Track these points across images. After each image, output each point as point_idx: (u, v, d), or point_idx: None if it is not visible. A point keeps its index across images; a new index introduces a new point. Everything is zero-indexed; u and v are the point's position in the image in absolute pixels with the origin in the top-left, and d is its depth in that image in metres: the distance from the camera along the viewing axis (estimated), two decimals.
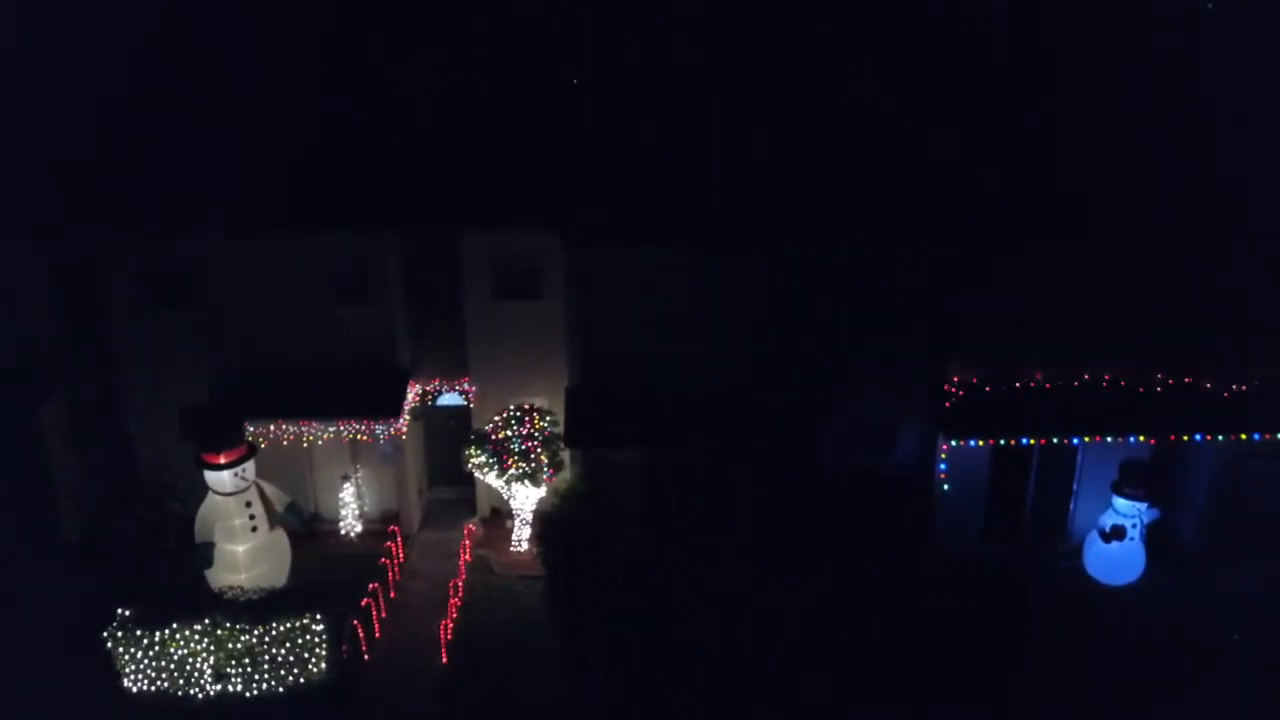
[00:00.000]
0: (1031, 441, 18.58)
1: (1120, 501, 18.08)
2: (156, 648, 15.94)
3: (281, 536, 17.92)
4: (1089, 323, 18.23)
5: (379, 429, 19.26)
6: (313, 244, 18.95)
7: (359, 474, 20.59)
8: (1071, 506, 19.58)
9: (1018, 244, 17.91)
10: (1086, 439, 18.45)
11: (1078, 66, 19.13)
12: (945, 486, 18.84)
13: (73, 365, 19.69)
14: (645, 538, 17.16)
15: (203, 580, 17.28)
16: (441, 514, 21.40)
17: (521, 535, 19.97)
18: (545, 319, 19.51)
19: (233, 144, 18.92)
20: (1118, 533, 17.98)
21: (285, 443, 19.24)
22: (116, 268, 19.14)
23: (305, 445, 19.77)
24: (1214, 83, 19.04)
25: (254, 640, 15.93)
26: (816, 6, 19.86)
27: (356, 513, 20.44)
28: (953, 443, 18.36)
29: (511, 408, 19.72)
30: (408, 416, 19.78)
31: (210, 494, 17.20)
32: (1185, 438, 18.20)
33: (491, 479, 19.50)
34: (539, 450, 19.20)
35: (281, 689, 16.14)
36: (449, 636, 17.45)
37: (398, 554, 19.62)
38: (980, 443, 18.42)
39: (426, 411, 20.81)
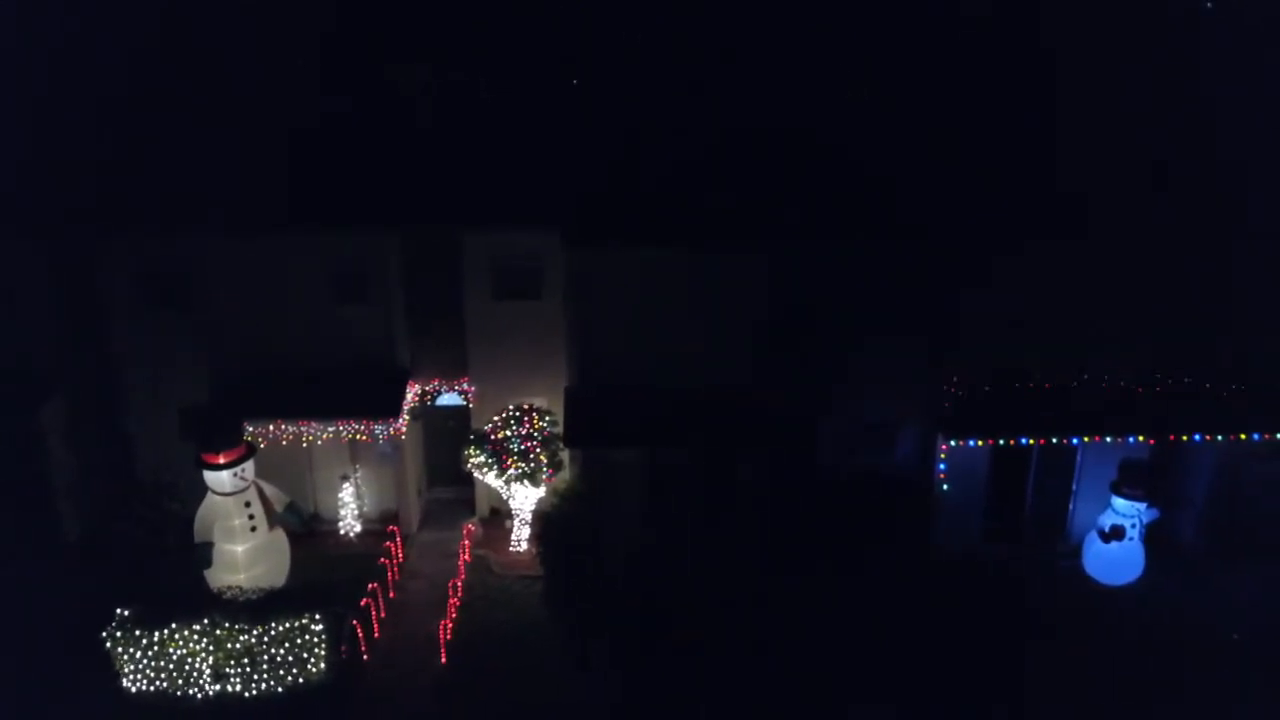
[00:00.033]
0: (1031, 441, 18.58)
1: (1119, 501, 18.08)
2: (155, 648, 15.92)
3: (281, 536, 17.91)
4: (1089, 323, 18.24)
5: (378, 429, 19.26)
6: (313, 244, 18.96)
7: (358, 474, 20.58)
8: (1071, 507, 19.58)
9: (1018, 244, 17.92)
10: (1086, 439, 18.44)
11: (1078, 66, 19.14)
12: (945, 486, 18.83)
13: (72, 365, 19.69)
14: (645, 538, 17.14)
15: (202, 580, 17.26)
16: (441, 514, 21.39)
17: (521, 535, 19.96)
18: (545, 319, 19.51)
19: (233, 144, 18.92)
20: (1117, 533, 17.98)
21: (284, 443, 19.23)
22: (116, 268, 19.14)
23: (305, 445, 19.77)
24: (1214, 83, 19.05)
25: (253, 640, 15.92)
26: (816, 6, 19.88)
27: (356, 513, 20.44)
28: (952, 443, 18.35)
29: (511, 408, 19.72)
30: (407, 416, 19.77)
31: (209, 494, 17.19)
32: (1184, 438, 18.21)
33: (491, 479, 19.50)
34: (538, 450, 19.19)
35: (280, 689, 16.12)
36: (448, 636, 17.44)
37: (397, 554, 19.61)
38: (979, 443, 18.42)
39: (426, 411, 20.81)
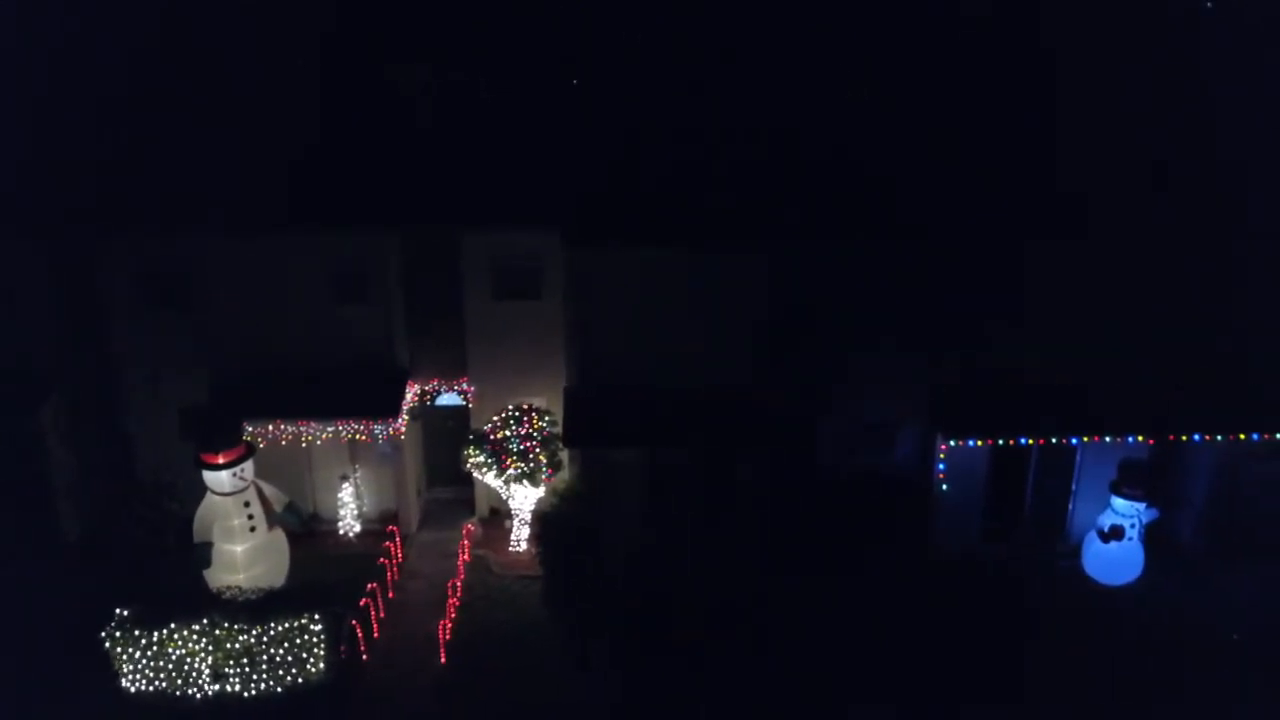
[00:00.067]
0: (1030, 441, 18.58)
1: (1119, 501, 18.08)
2: (155, 648, 15.92)
3: (280, 536, 17.90)
4: (1089, 323, 18.22)
5: (378, 429, 19.25)
6: (313, 244, 18.95)
7: (358, 474, 20.58)
8: (1070, 507, 19.58)
9: (1018, 244, 17.91)
10: (1085, 439, 18.44)
11: (1078, 66, 19.14)
12: (944, 486, 18.83)
13: (72, 365, 19.68)
14: (645, 538, 17.14)
15: (201, 580, 17.25)
16: (440, 514, 21.39)
17: (520, 535, 19.95)
18: (544, 319, 19.51)
19: (233, 144, 18.92)
20: (1116, 533, 17.97)
21: (284, 443, 19.23)
22: (116, 268, 19.13)
23: (304, 445, 19.76)
24: (1214, 83, 19.05)
25: (252, 640, 15.91)
26: (816, 6, 19.88)
27: (355, 513, 20.43)
28: (951, 443, 18.35)
29: (510, 408, 19.72)
30: (406, 416, 19.77)
31: (209, 494, 17.18)
32: (1184, 438, 18.21)
33: (490, 479, 19.49)
34: (537, 450, 19.19)
35: (280, 689, 16.11)
36: (447, 636, 17.43)
37: (396, 554, 19.60)
38: (978, 443, 18.41)
39: (425, 411, 20.81)
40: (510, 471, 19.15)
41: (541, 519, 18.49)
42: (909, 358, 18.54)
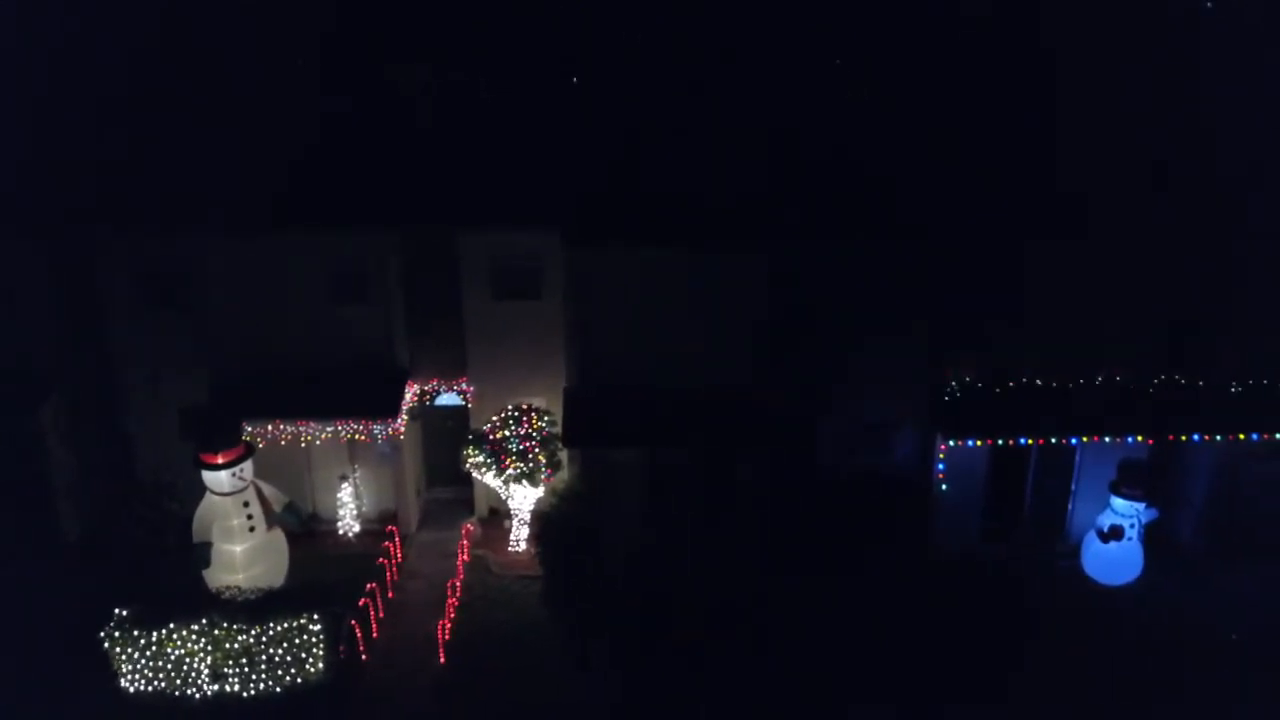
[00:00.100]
0: (1029, 441, 18.57)
1: (1118, 501, 18.07)
2: (154, 648, 15.90)
3: (279, 536, 17.89)
4: (1089, 323, 18.22)
5: (377, 429, 19.25)
6: (312, 244, 18.95)
7: (357, 474, 20.57)
8: (1070, 507, 19.58)
9: (1018, 244, 17.91)
10: (1085, 439, 18.44)
11: (1078, 66, 19.14)
12: (943, 486, 18.83)
13: (72, 365, 19.69)
14: (645, 538, 17.12)
15: (200, 580, 17.24)
16: (439, 514, 21.38)
17: (519, 535, 19.95)
18: (544, 319, 19.51)
19: (233, 144, 18.92)
20: (1116, 533, 17.96)
21: (283, 443, 19.22)
22: (116, 268, 19.13)
23: (303, 445, 19.76)
24: (1214, 83, 19.05)
25: (251, 640, 15.89)
26: (816, 6, 19.89)
27: (354, 513, 20.42)
28: (950, 443, 18.34)
29: (510, 408, 19.71)
30: (406, 416, 19.77)
31: (208, 494, 17.17)
32: (1183, 438, 18.21)
33: (489, 479, 19.48)
34: (537, 450, 19.18)
35: (279, 689, 16.09)
36: (447, 636, 17.41)
37: (396, 554, 19.59)
38: (978, 443, 18.41)
39: (425, 411, 20.80)
40: (509, 471, 19.14)
41: (541, 519, 18.45)
42: (909, 358, 18.53)
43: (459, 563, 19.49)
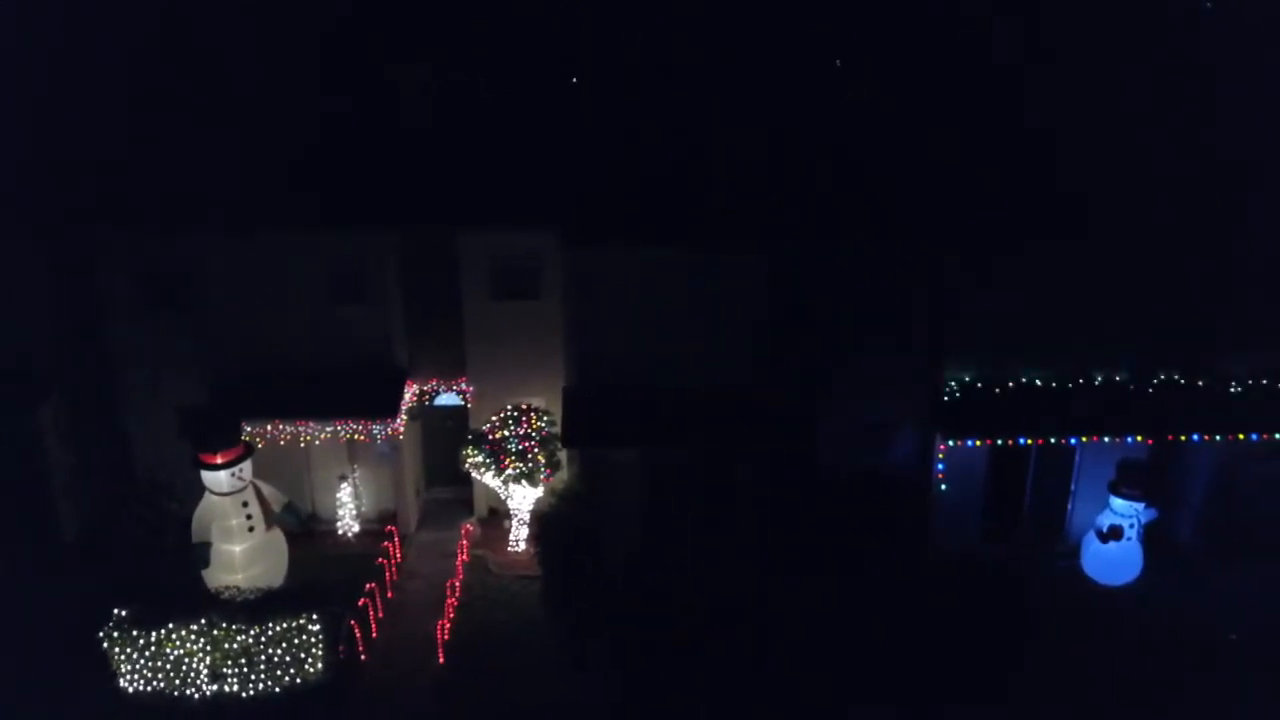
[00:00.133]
0: (1029, 442, 18.57)
1: (1117, 501, 18.05)
2: (152, 648, 15.89)
3: (278, 536, 17.89)
4: (1089, 323, 18.22)
5: (376, 429, 19.24)
6: (312, 244, 18.95)
7: (356, 474, 20.56)
8: (1069, 507, 19.57)
9: (1018, 244, 17.91)
10: (1084, 439, 18.43)
11: (1077, 66, 19.14)
12: (943, 487, 18.82)
13: (72, 365, 19.69)
14: (644, 538, 17.13)
15: (200, 580, 17.23)
16: (439, 514, 21.37)
17: (519, 535, 19.94)
18: (543, 319, 19.51)
19: (233, 144, 18.92)
20: (1115, 533, 17.95)
21: (283, 443, 19.21)
22: (116, 268, 19.13)
23: (303, 445, 19.75)
24: (1214, 83, 19.05)
25: (250, 640, 15.88)
26: (816, 6, 19.89)
27: (354, 513, 20.41)
28: (950, 443, 18.34)
29: (509, 408, 19.70)
30: (405, 416, 19.76)
31: (207, 494, 17.17)
32: (1183, 438, 18.20)
33: (489, 479, 19.47)
34: (536, 450, 19.17)
35: (278, 689, 16.08)
36: (446, 637, 17.40)
37: (395, 554, 19.58)
38: (977, 443, 18.40)
39: (424, 411, 20.80)
40: (509, 471, 19.13)
41: (540, 519, 18.46)
42: (909, 358, 18.52)
43: (458, 563, 19.48)
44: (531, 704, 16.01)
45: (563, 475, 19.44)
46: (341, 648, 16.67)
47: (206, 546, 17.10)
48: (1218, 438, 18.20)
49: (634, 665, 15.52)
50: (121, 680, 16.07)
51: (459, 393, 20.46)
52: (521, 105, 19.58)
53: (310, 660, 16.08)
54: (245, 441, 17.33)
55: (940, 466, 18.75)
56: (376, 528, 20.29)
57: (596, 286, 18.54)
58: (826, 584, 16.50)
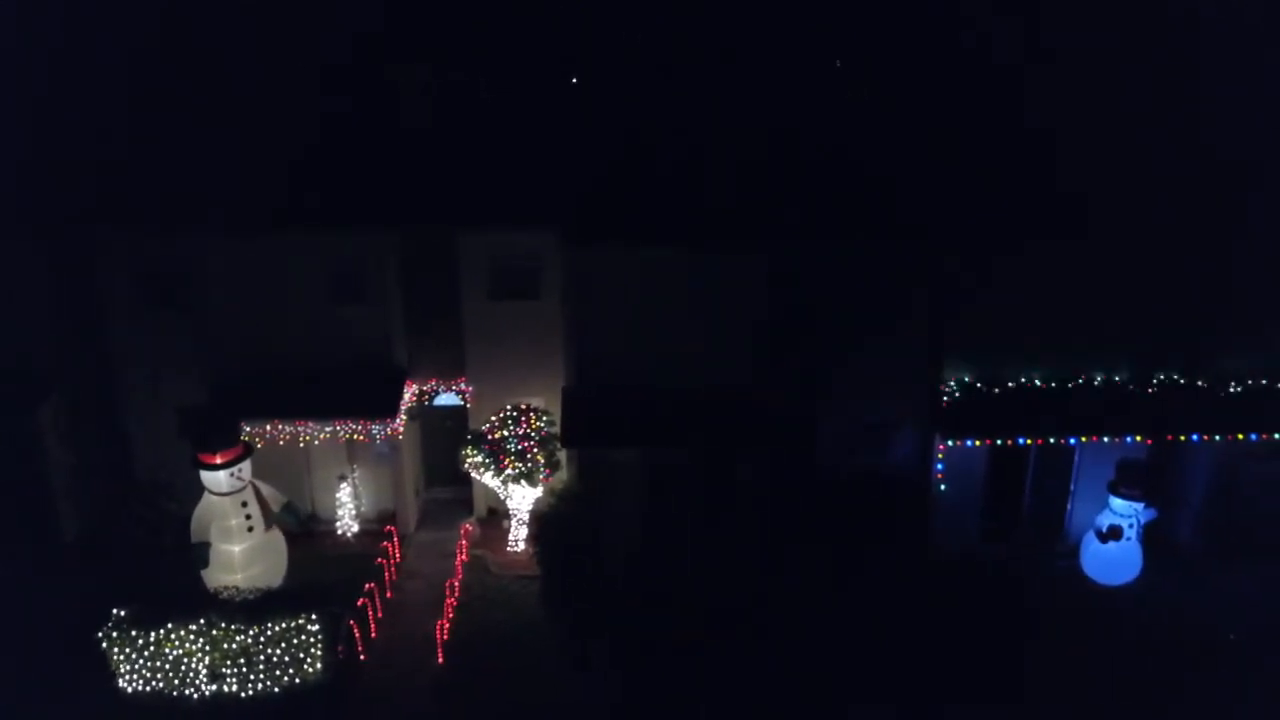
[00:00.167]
0: (1028, 441, 18.56)
1: (1117, 501, 18.04)
2: (151, 648, 15.87)
3: (278, 536, 17.88)
4: (1089, 323, 18.22)
5: (376, 429, 19.23)
6: (312, 244, 18.95)
7: (356, 474, 20.56)
8: (1069, 507, 19.57)
9: (1018, 244, 17.91)
10: (1084, 439, 18.42)
11: (1077, 66, 19.14)
12: (942, 487, 18.81)
13: (72, 365, 19.68)
14: (644, 538, 17.12)
15: (199, 580, 17.22)
16: (438, 514, 21.37)
17: (518, 535, 19.93)
18: (543, 319, 19.51)
19: (233, 144, 18.93)
20: (1114, 533, 17.94)
21: (282, 443, 19.21)
22: (116, 268, 19.13)
23: (302, 445, 19.74)
24: (1214, 83, 19.05)
25: (249, 640, 15.87)
26: (816, 6, 19.90)
27: (353, 513, 20.41)
28: (949, 443, 18.33)
29: (508, 408, 19.70)
30: (404, 416, 19.76)
31: (206, 494, 17.16)
32: (1182, 438, 18.19)
33: (488, 479, 19.47)
34: (535, 450, 19.17)
35: (277, 689, 16.07)
36: (445, 636, 17.39)
37: (394, 554, 19.58)
38: (976, 443, 18.40)
39: (423, 411, 20.80)
40: (508, 471, 19.13)
41: (539, 519, 18.46)
42: (909, 358, 18.51)
43: (457, 563, 19.48)
44: (531, 704, 16.00)
45: (562, 475, 19.44)
46: (341, 648, 16.66)
47: (206, 546, 17.10)
48: (1217, 438, 18.18)
49: (634, 665, 15.52)
50: (120, 680, 16.05)
51: (458, 393, 20.46)
52: (521, 105, 19.59)
53: (309, 660, 16.07)
54: (244, 441, 17.32)
55: (940, 466, 18.75)
56: (376, 528, 20.28)
57: (596, 286, 18.54)
58: (826, 584, 16.47)
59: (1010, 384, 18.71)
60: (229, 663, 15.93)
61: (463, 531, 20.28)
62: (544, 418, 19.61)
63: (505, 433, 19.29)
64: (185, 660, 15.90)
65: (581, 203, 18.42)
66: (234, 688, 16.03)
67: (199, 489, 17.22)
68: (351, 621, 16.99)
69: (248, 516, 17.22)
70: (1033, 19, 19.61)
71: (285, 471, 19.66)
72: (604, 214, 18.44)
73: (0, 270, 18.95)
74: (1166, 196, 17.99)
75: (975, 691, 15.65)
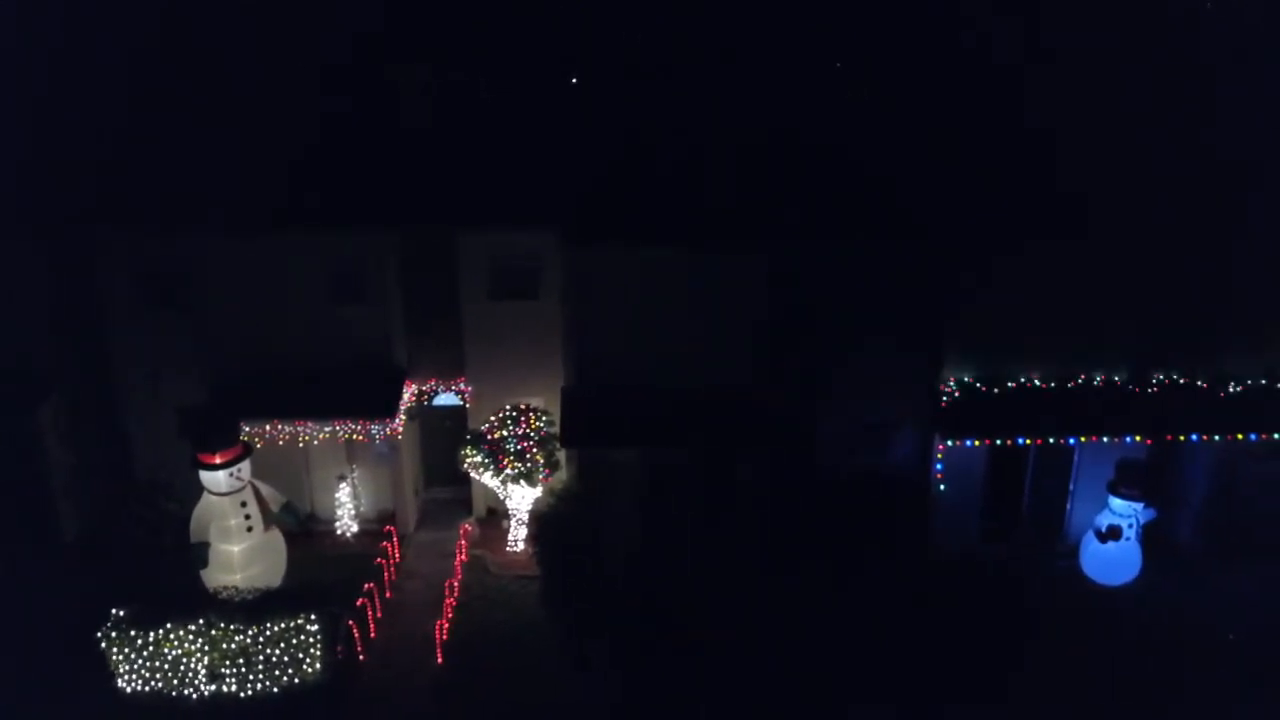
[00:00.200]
0: (1028, 441, 18.55)
1: (1116, 501, 18.02)
2: (151, 648, 15.86)
3: (277, 536, 17.86)
4: (1089, 323, 18.22)
5: (375, 429, 19.23)
6: (312, 244, 18.94)
7: (355, 474, 20.55)
8: (1068, 507, 19.56)
9: (1018, 244, 17.91)
10: (1083, 439, 18.41)
11: (1078, 66, 19.15)
12: (942, 487, 18.81)
13: (72, 365, 19.68)
14: (644, 538, 17.09)
15: (198, 580, 17.21)
16: (438, 514, 21.36)
17: (517, 535, 19.92)
18: (542, 319, 19.51)
19: (233, 144, 18.93)
20: (1114, 533, 17.93)
21: (281, 443, 19.20)
22: (116, 268, 19.13)
23: (301, 445, 19.73)
24: (1214, 83, 19.06)
25: (248, 640, 15.86)
26: (816, 6, 19.91)
27: (352, 513, 20.41)
28: (949, 443, 18.33)
29: (508, 408, 19.69)
30: (404, 416, 19.75)
31: (206, 494, 17.15)
32: (1181, 438, 18.19)
33: (487, 479, 19.46)
34: (535, 450, 19.16)
35: (276, 689, 16.06)
36: (444, 637, 17.39)
37: (393, 554, 19.57)
38: (976, 443, 18.39)
39: (423, 411, 20.79)
40: (507, 471, 19.12)
41: (539, 519, 18.44)
42: (909, 358, 18.51)
43: (457, 563, 19.47)
44: (530, 704, 15.99)
45: (561, 475, 19.42)
46: (340, 648, 16.65)
47: (205, 546, 17.08)
48: (1217, 438, 18.18)
49: (634, 665, 15.50)
50: (120, 680, 16.04)
51: (458, 393, 20.45)
52: (521, 105, 19.60)
53: (308, 660, 16.06)
54: (243, 441, 17.31)
55: (939, 466, 18.74)
56: (375, 528, 20.28)
57: (596, 286, 18.53)
58: (826, 584, 16.46)
59: (1010, 384, 18.70)
60: (228, 663, 15.92)
61: (462, 531, 20.28)
62: (543, 418, 19.61)
63: (504, 433, 19.28)
64: (184, 660, 15.89)
65: (581, 203, 18.43)
66: (233, 688, 16.02)
67: (198, 489, 17.20)
68: (351, 621, 16.98)
69: (247, 516, 17.20)
70: (1033, 19, 19.61)
71: (284, 471, 19.65)
72: (604, 214, 18.44)
73: (0, 270, 18.94)
74: (1166, 196, 17.99)
75: (975, 691, 15.64)
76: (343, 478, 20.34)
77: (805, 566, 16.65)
